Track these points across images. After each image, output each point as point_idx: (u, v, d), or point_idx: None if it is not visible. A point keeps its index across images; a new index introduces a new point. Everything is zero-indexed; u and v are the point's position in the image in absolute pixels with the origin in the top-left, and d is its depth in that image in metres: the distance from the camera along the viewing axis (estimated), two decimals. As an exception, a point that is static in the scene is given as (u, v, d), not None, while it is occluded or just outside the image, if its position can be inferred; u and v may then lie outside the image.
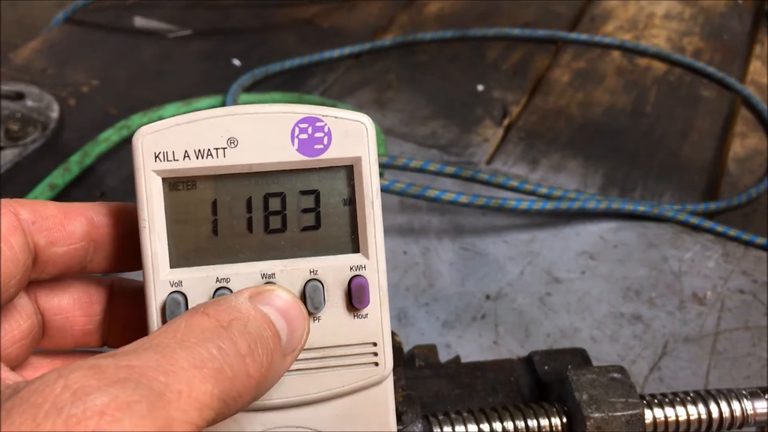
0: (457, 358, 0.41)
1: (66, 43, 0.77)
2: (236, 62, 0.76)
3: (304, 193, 0.25)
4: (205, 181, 0.24)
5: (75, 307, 0.26)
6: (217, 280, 0.24)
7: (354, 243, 0.25)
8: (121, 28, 0.80)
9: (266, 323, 0.22)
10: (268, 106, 0.24)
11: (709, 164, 0.67)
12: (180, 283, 0.24)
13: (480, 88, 0.74)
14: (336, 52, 0.76)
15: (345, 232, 0.25)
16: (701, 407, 0.35)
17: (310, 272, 0.24)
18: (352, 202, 0.25)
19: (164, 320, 0.24)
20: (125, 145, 0.64)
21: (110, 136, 0.61)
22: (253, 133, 0.24)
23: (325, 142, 0.24)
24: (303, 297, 0.24)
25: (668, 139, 0.69)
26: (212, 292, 0.24)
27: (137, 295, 0.26)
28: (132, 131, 0.63)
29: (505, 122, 0.70)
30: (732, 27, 0.85)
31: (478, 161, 0.65)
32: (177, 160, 0.24)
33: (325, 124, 0.24)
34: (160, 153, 0.24)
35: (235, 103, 0.65)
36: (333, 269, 0.24)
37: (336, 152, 0.24)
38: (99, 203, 0.26)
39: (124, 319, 0.27)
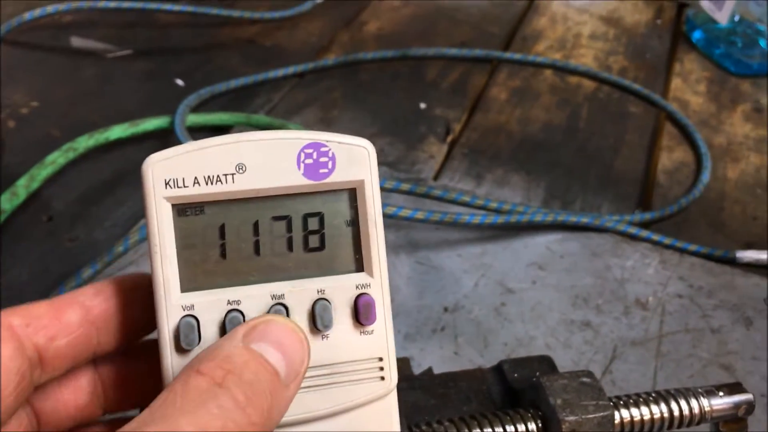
0: (429, 370, 0.43)
1: (2, 64, 0.75)
2: (179, 82, 0.75)
3: (309, 215, 0.26)
4: (213, 206, 0.25)
5: (60, 388, 0.26)
6: (228, 302, 0.25)
7: (358, 262, 0.26)
8: (58, 48, 0.79)
9: (261, 365, 0.22)
10: (274, 132, 0.25)
11: (641, 176, 0.71)
12: (192, 306, 0.24)
13: (422, 105, 0.77)
14: (280, 72, 0.77)
15: (349, 252, 0.26)
16: (663, 406, 0.37)
17: (318, 292, 0.25)
18: (354, 223, 0.26)
19: (177, 345, 0.24)
20: (71, 167, 0.63)
21: (57, 159, 0.60)
22: (260, 159, 0.25)
23: (330, 166, 0.25)
24: (312, 316, 0.25)
25: (601, 154, 0.73)
26: (224, 314, 0.25)
27: (120, 353, 0.27)
28: (79, 153, 0.62)
29: (449, 139, 0.73)
30: (653, 46, 0.90)
31: (426, 177, 0.67)
32: (187, 186, 0.24)
33: (330, 149, 0.25)
34: (170, 180, 0.24)
35: (183, 123, 0.65)
36: (340, 288, 0.25)
37: (340, 176, 0.25)
38: (88, 287, 0.26)
39: (115, 379, 0.27)
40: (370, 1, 0.94)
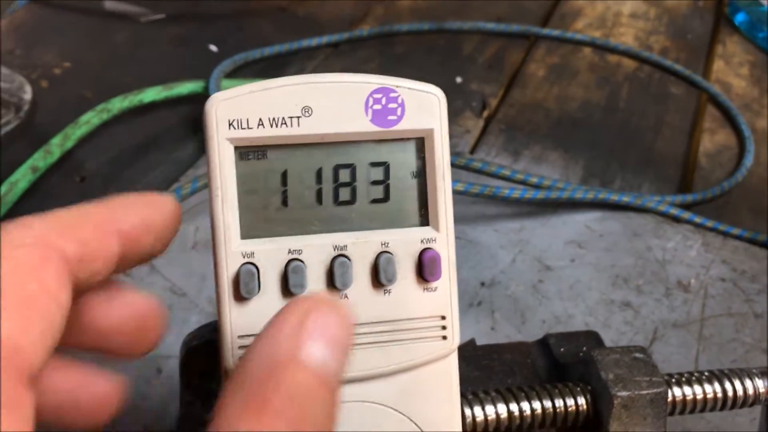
0: (472, 341, 0.41)
1: (33, 24, 0.75)
2: (213, 48, 0.74)
3: (373, 165, 0.24)
4: (275, 151, 0.24)
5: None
6: (290, 251, 0.24)
7: (423, 216, 0.25)
8: (91, 10, 0.78)
9: (317, 383, 0.19)
10: (343, 75, 0.24)
11: (682, 158, 0.69)
12: (252, 254, 0.23)
13: (459, 80, 0.75)
14: (314, 41, 0.76)
15: (414, 205, 0.25)
16: (717, 386, 0.36)
17: (382, 245, 0.24)
18: (421, 174, 0.25)
19: (237, 291, 0.23)
20: (105, 128, 0.62)
21: (91, 119, 0.59)
22: (327, 102, 0.23)
23: (399, 113, 0.24)
24: (375, 270, 0.24)
25: (642, 134, 0.71)
26: (285, 263, 0.24)
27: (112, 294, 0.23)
28: (113, 114, 0.61)
29: (485, 114, 0.71)
30: (695, 27, 0.88)
31: (462, 151, 0.66)
32: (251, 128, 0.23)
33: (399, 95, 0.24)
34: (234, 120, 0.23)
35: (218, 88, 0.64)
36: (404, 242, 0.24)
37: (409, 124, 0.24)
38: (121, 200, 0.23)
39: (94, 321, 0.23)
40: (406, -26, 0.92)
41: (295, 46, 0.74)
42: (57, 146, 0.56)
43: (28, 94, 0.63)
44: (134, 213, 0.22)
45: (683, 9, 0.91)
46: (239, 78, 0.69)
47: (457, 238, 0.58)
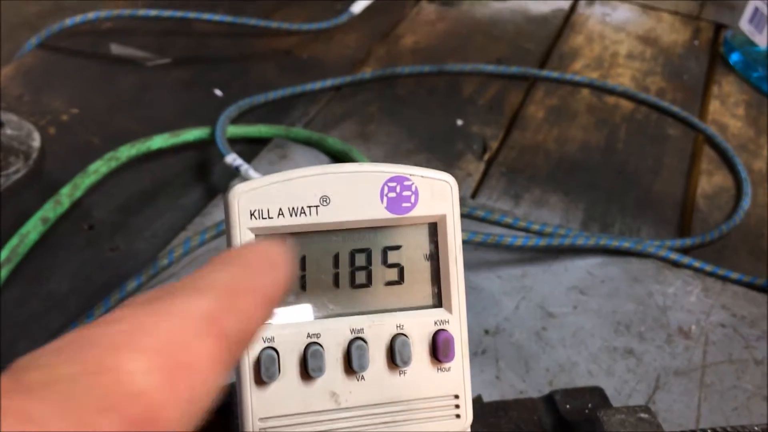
0: (479, 398, 0.42)
1: (41, 69, 0.76)
2: (218, 92, 0.76)
3: (388, 248, 0.25)
4: (294, 238, 0.25)
5: None
6: (308, 335, 0.24)
7: (436, 297, 0.26)
8: (97, 54, 0.79)
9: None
10: (359, 165, 0.25)
11: (680, 200, 0.70)
12: (272, 338, 0.24)
13: (459, 122, 0.76)
14: (317, 85, 0.77)
15: (427, 287, 0.26)
16: (720, 444, 0.37)
17: (397, 327, 0.25)
18: (434, 257, 0.26)
19: (258, 376, 0.24)
20: (112, 177, 0.63)
21: (99, 168, 0.60)
22: (344, 191, 0.24)
23: (413, 200, 0.25)
24: (390, 352, 0.25)
25: (640, 176, 0.72)
26: (303, 347, 0.24)
27: None
28: (120, 162, 0.62)
29: (486, 157, 0.72)
30: (690, 67, 0.90)
31: (464, 196, 0.67)
32: (272, 218, 0.24)
33: (413, 183, 0.25)
34: (255, 211, 0.24)
35: (224, 134, 0.65)
36: (418, 324, 0.25)
37: (422, 210, 0.25)
38: None
39: None
40: (406, 14, 0.94)
41: (298, 90, 0.76)
42: (66, 196, 0.57)
43: (36, 142, 0.64)
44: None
45: (679, 49, 0.93)
46: (244, 124, 0.70)
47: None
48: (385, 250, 0.25)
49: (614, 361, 0.53)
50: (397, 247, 0.25)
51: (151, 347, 0.16)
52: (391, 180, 0.25)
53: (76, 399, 0.14)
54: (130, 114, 0.72)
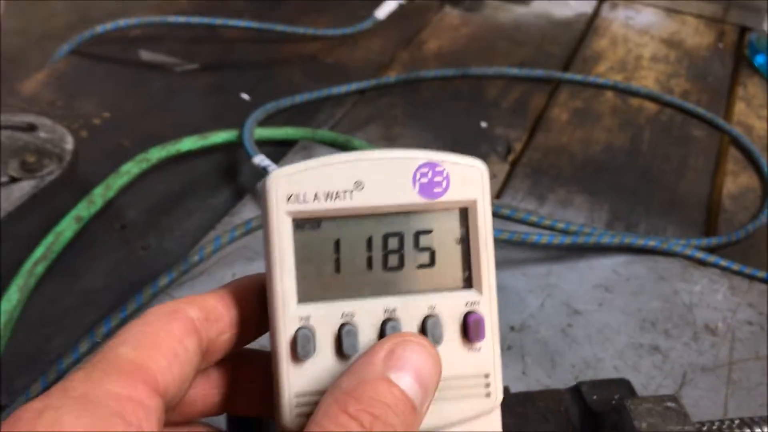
0: (506, 389, 0.43)
1: (73, 75, 0.78)
2: (245, 96, 0.77)
3: (420, 233, 0.26)
4: (329, 222, 0.25)
5: (200, 379, 0.27)
6: (343, 315, 0.25)
7: (467, 280, 0.26)
8: (128, 60, 0.81)
9: (404, 403, 0.23)
10: (392, 151, 0.26)
11: (706, 201, 0.70)
12: (308, 318, 0.25)
13: (483, 124, 0.77)
14: (343, 88, 0.78)
15: (458, 270, 0.26)
16: (748, 434, 0.37)
17: (428, 308, 0.26)
18: (465, 240, 0.26)
19: (294, 355, 0.25)
20: (143, 177, 0.64)
21: (131, 169, 0.61)
22: (378, 176, 0.25)
23: (444, 185, 0.26)
24: (422, 332, 0.26)
25: (665, 177, 0.73)
26: (338, 326, 0.25)
27: (254, 359, 0.28)
28: (151, 164, 0.63)
29: (510, 158, 0.73)
30: (715, 70, 0.90)
31: (489, 196, 0.67)
32: (308, 201, 0.25)
33: (444, 169, 0.26)
34: (292, 195, 0.25)
35: (251, 137, 0.66)
36: (449, 305, 0.26)
37: (454, 195, 0.26)
38: (235, 283, 0.27)
39: (244, 385, 0.28)
40: (430, 20, 0.95)
41: (324, 94, 0.77)
42: (99, 196, 0.58)
43: (69, 145, 0.66)
44: (251, 292, 0.27)
45: (703, 51, 0.93)
46: (271, 126, 0.71)
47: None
48: (417, 234, 0.26)
49: (640, 358, 0.53)
50: (429, 231, 0.26)
51: None
52: (423, 166, 0.26)
53: None
54: (159, 117, 0.73)
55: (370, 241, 0.26)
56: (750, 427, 0.37)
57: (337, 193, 0.25)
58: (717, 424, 0.38)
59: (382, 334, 0.25)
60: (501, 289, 0.57)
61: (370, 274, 0.26)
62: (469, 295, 0.26)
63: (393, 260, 0.26)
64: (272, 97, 0.75)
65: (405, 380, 0.23)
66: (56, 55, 0.79)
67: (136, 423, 0.21)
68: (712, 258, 0.61)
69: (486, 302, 0.26)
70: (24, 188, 0.61)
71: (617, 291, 0.59)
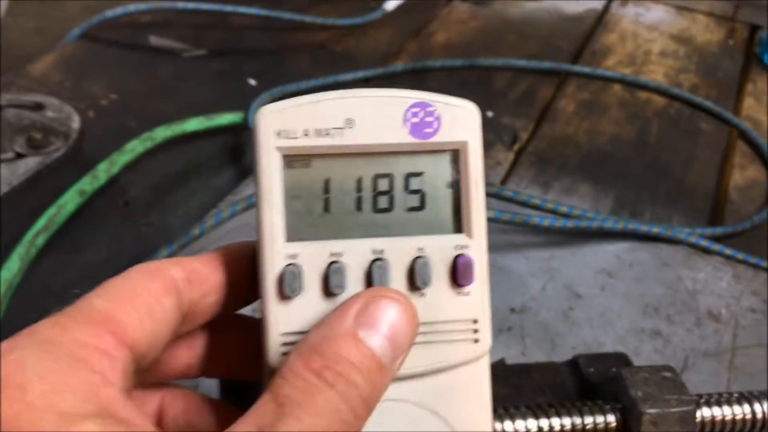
0: (502, 360, 0.42)
1: (82, 57, 0.78)
2: (252, 82, 0.77)
3: (411, 175, 0.26)
4: (319, 160, 0.25)
5: (181, 342, 0.27)
6: (331, 254, 0.25)
7: (457, 224, 0.26)
8: (136, 45, 0.81)
9: (370, 360, 0.23)
10: (383, 90, 0.25)
11: (712, 192, 0.70)
12: (296, 255, 0.25)
13: (490, 114, 0.77)
14: (349, 76, 0.78)
15: (448, 214, 0.26)
16: (747, 407, 0.36)
17: (417, 250, 0.25)
18: (455, 185, 0.26)
19: (281, 290, 0.25)
20: (148, 156, 0.64)
21: (135, 147, 0.61)
22: (369, 114, 0.25)
23: (435, 126, 0.25)
24: (411, 273, 0.25)
25: (672, 168, 0.72)
26: (326, 265, 0.25)
27: (236, 325, 0.28)
28: (156, 143, 0.63)
29: (516, 147, 0.72)
30: (725, 66, 0.89)
31: (493, 182, 0.67)
32: (297, 137, 0.25)
33: (435, 109, 0.26)
34: (281, 131, 0.25)
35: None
36: (439, 248, 0.26)
37: (445, 136, 0.26)
38: (225, 247, 0.27)
39: (230, 349, 0.28)
40: (438, 13, 0.95)
41: (330, 80, 0.77)
42: (103, 171, 0.58)
43: (76, 123, 0.66)
44: (243, 256, 0.27)
45: (713, 48, 0.92)
46: (277, 110, 0.71)
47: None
48: (408, 177, 0.26)
49: (641, 342, 0.53)
50: (419, 174, 0.26)
51: None
52: (414, 105, 0.25)
53: None
54: (166, 100, 0.73)
55: (360, 182, 0.26)
56: (749, 402, 0.37)
57: (327, 131, 0.25)
58: (716, 396, 0.37)
59: (369, 275, 0.25)
60: (502, 271, 0.57)
61: (360, 215, 0.26)
62: (459, 238, 0.26)
63: (383, 202, 0.26)
64: (279, 83, 0.75)
65: (375, 338, 0.23)
66: (65, 39, 0.79)
67: (100, 370, 0.21)
68: (716, 246, 0.60)
69: (476, 247, 0.26)
70: (29, 164, 0.62)
71: (620, 276, 0.58)
